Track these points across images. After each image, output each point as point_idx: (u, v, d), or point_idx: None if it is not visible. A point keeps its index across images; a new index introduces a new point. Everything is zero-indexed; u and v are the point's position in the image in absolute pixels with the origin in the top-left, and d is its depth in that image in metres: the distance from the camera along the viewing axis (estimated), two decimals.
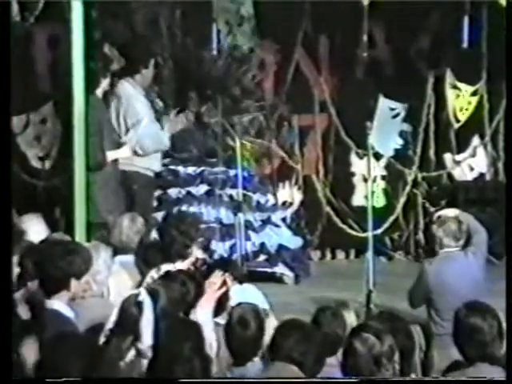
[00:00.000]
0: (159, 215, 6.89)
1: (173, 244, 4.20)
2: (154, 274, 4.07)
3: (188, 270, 3.92)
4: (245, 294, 4.58)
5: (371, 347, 2.94)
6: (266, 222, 7.40)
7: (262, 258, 7.14)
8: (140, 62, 6.64)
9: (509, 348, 3.35)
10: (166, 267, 4.00)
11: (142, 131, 6.27)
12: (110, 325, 3.10)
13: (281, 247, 7.28)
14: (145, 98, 6.65)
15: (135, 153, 6.27)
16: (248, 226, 7.22)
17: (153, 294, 3.30)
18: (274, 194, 8.14)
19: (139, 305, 3.16)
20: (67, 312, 3.36)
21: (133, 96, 6.47)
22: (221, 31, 7.51)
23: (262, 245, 7.20)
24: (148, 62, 6.72)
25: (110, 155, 5.99)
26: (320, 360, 3.11)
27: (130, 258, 4.47)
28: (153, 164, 6.57)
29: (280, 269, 7.21)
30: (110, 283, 3.99)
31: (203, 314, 3.56)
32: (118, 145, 6.27)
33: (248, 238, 7.14)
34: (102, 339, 2.99)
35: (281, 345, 3.08)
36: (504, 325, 3.39)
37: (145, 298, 3.19)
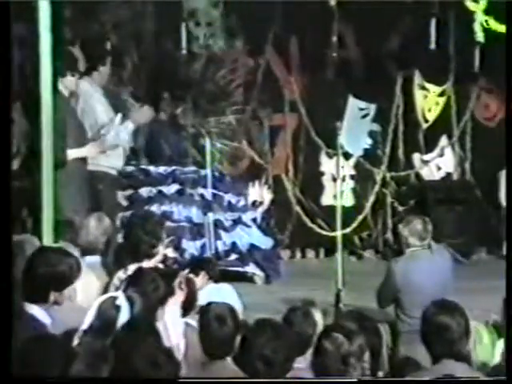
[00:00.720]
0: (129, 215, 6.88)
1: (139, 244, 4.18)
2: (121, 274, 4.06)
3: (158, 268, 3.90)
4: (220, 292, 4.60)
5: (340, 347, 2.96)
6: (236, 221, 7.41)
7: (233, 257, 7.15)
8: (97, 60, 6.63)
9: (509, 348, 3.41)
10: (133, 267, 3.99)
11: (107, 129, 6.24)
12: (84, 327, 3.08)
13: (252, 247, 7.30)
14: (102, 95, 6.62)
15: (99, 151, 6.23)
16: (219, 225, 7.23)
17: (129, 298, 3.29)
18: (244, 194, 8.16)
19: (117, 308, 3.16)
20: (44, 317, 3.33)
21: (90, 94, 6.45)
22: (191, 31, 7.50)
23: (234, 244, 7.21)
24: (105, 59, 6.71)
25: (72, 153, 5.93)
26: (289, 359, 3.13)
27: (97, 259, 4.45)
28: (116, 163, 6.53)
29: (251, 268, 7.23)
30: (77, 285, 3.96)
31: (171, 313, 3.56)
32: (84, 143, 6.23)
33: (219, 238, 7.15)
34: (75, 341, 2.96)
35: (252, 343, 3.10)
36: (470, 322, 3.45)
37: (122, 301, 3.18)
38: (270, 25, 8.56)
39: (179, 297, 3.70)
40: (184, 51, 7.05)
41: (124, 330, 3.02)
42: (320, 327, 3.71)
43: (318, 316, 3.96)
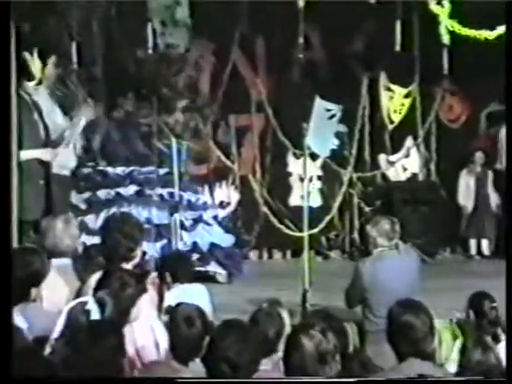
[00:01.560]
0: (90, 218, 6.79)
1: (117, 247, 4.12)
2: (98, 277, 4.01)
3: (126, 269, 3.87)
4: (192, 293, 4.58)
5: (318, 345, 2.96)
6: (197, 220, 7.38)
7: (194, 257, 7.12)
8: (43, 60, 6.57)
9: (508, 348, 3.43)
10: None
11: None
12: (55, 334, 3.03)
13: (213, 246, 7.28)
14: (49, 95, 6.55)
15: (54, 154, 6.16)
16: (180, 225, 7.20)
17: (100, 302, 3.26)
18: (211, 194, 8.13)
19: (87, 313, 3.11)
20: (20, 322, 3.27)
21: (37, 94, 6.36)
22: (156, 31, 7.46)
23: (195, 244, 7.18)
24: (49, 58, 6.65)
25: (27, 154, 5.85)
26: (255, 361, 3.11)
27: (65, 262, 4.39)
28: (67, 162, 6.44)
29: (212, 267, 7.21)
30: (43, 289, 3.90)
31: (145, 313, 3.54)
32: (41, 145, 6.15)
33: (180, 238, 7.12)
34: (47, 349, 2.91)
35: (217, 345, 3.08)
36: (435, 321, 3.48)
37: (92, 306, 3.14)
38: (237, 25, 8.56)
39: (152, 296, 3.68)
40: (150, 51, 7.00)
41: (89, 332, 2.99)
42: (287, 327, 3.71)
43: (285, 316, 3.96)
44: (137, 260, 4.13)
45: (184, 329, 3.34)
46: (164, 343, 3.47)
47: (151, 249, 6.84)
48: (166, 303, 4.07)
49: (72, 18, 7.49)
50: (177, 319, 3.40)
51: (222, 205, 8.19)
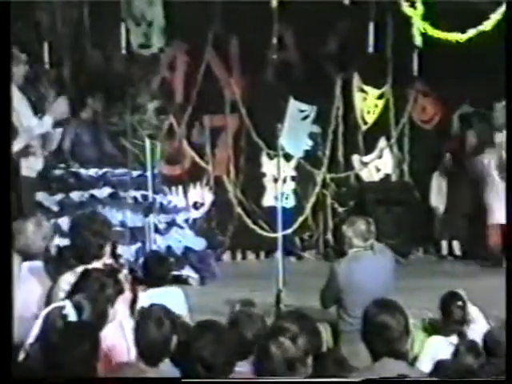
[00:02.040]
0: (63, 220, 6.71)
1: (87, 246, 4.10)
2: (68, 277, 3.97)
3: (102, 269, 3.85)
4: (167, 295, 4.57)
5: (286, 351, 2.96)
6: (171, 224, 7.35)
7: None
8: (13, 59, 6.50)
9: (508, 348, 3.46)
10: (80, 269, 3.92)
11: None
12: (30, 340, 2.99)
13: (186, 249, 7.24)
14: (20, 93, 6.49)
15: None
16: (154, 229, 7.15)
17: (77, 306, 3.23)
18: (185, 195, 8.11)
19: (64, 318, 3.08)
20: None
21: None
22: (130, 31, 7.42)
23: (169, 248, 7.14)
24: (20, 58, 6.59)
25: None
26: (230, 362, 3.11)
27: (38, 265, 4.34)
28: (36, 164, 6.36)
29: (186, 271, 7.17)
30: (16, 292, 3.85)
31: (122, 313, 3.52)
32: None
33: (154, 241, 7.06)
34: (21, 355, 2.88)
35: (192, 345, 3.07)
36: (410, 321, 3.50)
37: (70, 310, 3.11)
38: (210, 25, 8.54)
39: (126, 297, 3.66)
40: (123, 51, 6.95)
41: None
42: (263, 328, 3.71)
43: (260, 317, 3.95)
44: (106, 257, 4.11)
45: (152, 330, 3.33)
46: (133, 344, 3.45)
47: (126, 252, 6.77)
48: (139, 305, 4.05)
49: (43, 18, 7.44)
50: (146, 320, 3.39)
51: (196, 206, 8.17)
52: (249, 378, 3.10)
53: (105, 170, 7.23)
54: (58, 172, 7.20)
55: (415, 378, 3.21)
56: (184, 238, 7.29)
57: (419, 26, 7.03)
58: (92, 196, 7.01)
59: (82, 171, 7.18)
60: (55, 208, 6.94)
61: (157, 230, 7.17)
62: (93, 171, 7.18)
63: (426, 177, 9.23)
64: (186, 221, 7.51)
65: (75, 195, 7.00)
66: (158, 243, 7.08)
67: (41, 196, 6.97)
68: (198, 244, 7.41)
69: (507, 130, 5.82)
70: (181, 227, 7.39)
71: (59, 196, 7.01)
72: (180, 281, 7.00)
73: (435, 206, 9.10)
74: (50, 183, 7.12)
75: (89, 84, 7.44)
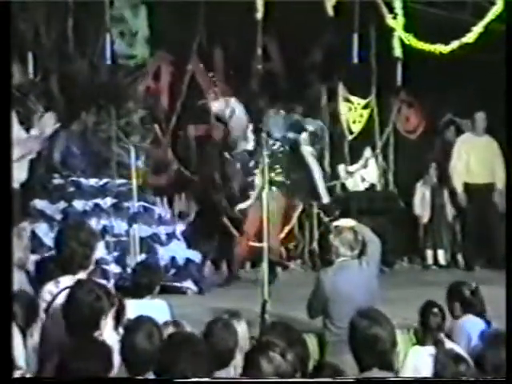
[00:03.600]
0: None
1: (73, 256, 4.07)
2: (51, 287, 3.94)
3: (94, 280, 3.83)
4: (152, 307, 4.55)
5: (277, 368, 2.95)
6: (171, 235, 7.33)
7: (171, 272, 7.07)
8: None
9: (508, 349, 3.46)
10: (65, 279, 3.89)
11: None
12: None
13: (187, 261, 7.23)
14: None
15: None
16: (156, 239, 7.12)
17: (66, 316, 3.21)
18: (170, 205, 8.09)
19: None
20: None
21: None
22: (114, 41, 7.42)
23: (173, 259, 7.12)
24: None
25: None
26: (209, 373, 3.09)
27: (21, 276, 4.31)
28: (20, 174, 6.34)
29: (188, 283, 7.14)
30: None
31: (108, 325, 3.51)
32: None
33: (156, 253, 7.03)
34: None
35: (169, 358, 3.05)
36: (396, 331, 3.50)
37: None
38: (195, 36, 8.56)
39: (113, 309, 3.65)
40: (108, 61, 6.94)
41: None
42: (243, 339, 3.70)
43: (242, 327, 3.94)
44: (91, 268, 4.10)
45: (139, 342, 3.31)
46: (117, 356, 3.44)
47: (133, 262, 6.71)
48: (125, 316, 4.03)
49: (28, 28, 7.41)
50: (132, 332, 3.38)
51: (181, 216, 8.15)
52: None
53: (106, 180, 7.18)
54: (58, 181, 7.16)
55: (413, 378, 3.20)
56: (183, 250, 7.26)
57: (402, 37, 7.09)
58: (97, 205, 6.96)
59: (83, 180, 7.13)
60: (58, 216, 6.89)
61: (159, 242, 7.14)
62: (93, 181, 7.15)
63: (410, 186, 9.27)
64: (183, 233, 7.49)
65: (78, 204, 6.96)
66: (161, 254, 7.04)
67: (41, 204, 6.94)
68: (196, 256, 7.37)
69: (507, 135, 5.86)
70: (178, 239, 7.37)
71: (62, 204, 6.97)
72: (180, 292, 6.98)
73: (419, 215, 9.14)
74: (51, 192, 7.09)
75: (74, 96, 7.42)
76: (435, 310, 4.51)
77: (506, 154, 6.48)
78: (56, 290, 3.80)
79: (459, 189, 8.71)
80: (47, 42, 7.50)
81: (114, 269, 6.70)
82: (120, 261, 6.79)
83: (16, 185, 6.28)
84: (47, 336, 3.63)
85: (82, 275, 3.95)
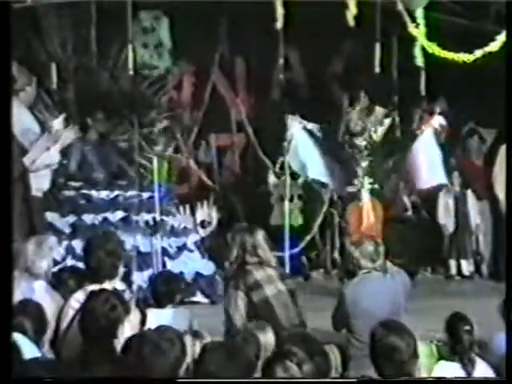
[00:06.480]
0: (76, 243, 6.69)
1: (100, 265, 4.10)
2: (79, 296, 3.99)
3: (110, 290, 3.86)
4: (176, 316, 4.56)
5: (291, 377, 2.94)
6: (181, 248, 7.28)
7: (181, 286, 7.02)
8: (25, 80, 6.58)
9: (508, 349, 3.41)
10: (93, 288, 3.93)
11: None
12: None
13: (197, 275, 7.18)
14: (31, 114, 6.54)
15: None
16: (164, 253, 7.07)
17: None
18: (192, 214, 8.11)
19: None
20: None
21: (18, 114, 6.35)
22: (137, 52, 7.48)
23: (181, 273, 7.09)
24: (31, 80, 6.66)
25: None
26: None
27: (40, 285, 4.34)
28: (42, 183, 6.40)
29: (198, 298, 7.10)
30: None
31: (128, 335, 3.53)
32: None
33: (164, 266, 6.98)
34: None
35: (204, 366, 3.06)
36: (419, 343, 3.47)
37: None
38: (217, 46, 8.60)
39: (134, 318, 3.67)
40: (131, 72, 6.99)
41: None
42: (269, 349, 3.69)
43: (267, 338, 3.94)
44: (118, 278, 4.12)
45: (160, 352, 3.32)
46: None
47: (139, 278, 6.69)
48: (147, 326, 4.05)
49: (51, 39, 7.49)
50: (155, 342, 3.39)
51: (203, 224, 8.16)
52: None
53: (116, 192, 7.18)
54: (68, 193, 7.18)
55: (415, 378, 3.17)
56: (194, 262, 7.21)
57: (425, 46, 7.06)
58: (105, 219, 6.95)
59: (94, 193, 7.14)
60: (67, 230, 6.91)
61: (167, 255, 7.10)
62: (104, 194, 7.15)
63: (433, 195, 9.21)
64: (196, 243, 7.45)
65: (87, 217, 6.96)
66: (168, 268, 6.99)
67: (51, 217, 6.97)
68: (208, 268, 7.31)
69: (507, 141, 5.82)
70: (190, 250, 7.32)
71: (72, 218, 6.99)
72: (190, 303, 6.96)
73: (443, 224, 9.07)
74: (61, 204, 7.10)
75: (95, 105, 7.47)
76: (467, 327, 4.33)
77: (507, 157, 6.41)
78: (84, 298, 3.84)
79: (501, 197, 8.61)
80: (69, 52, 7.57)
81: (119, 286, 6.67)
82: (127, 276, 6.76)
83: (39, 193, 6.36)
84: (72, 341, 3.68)
85: (108, 285, 3.98)
